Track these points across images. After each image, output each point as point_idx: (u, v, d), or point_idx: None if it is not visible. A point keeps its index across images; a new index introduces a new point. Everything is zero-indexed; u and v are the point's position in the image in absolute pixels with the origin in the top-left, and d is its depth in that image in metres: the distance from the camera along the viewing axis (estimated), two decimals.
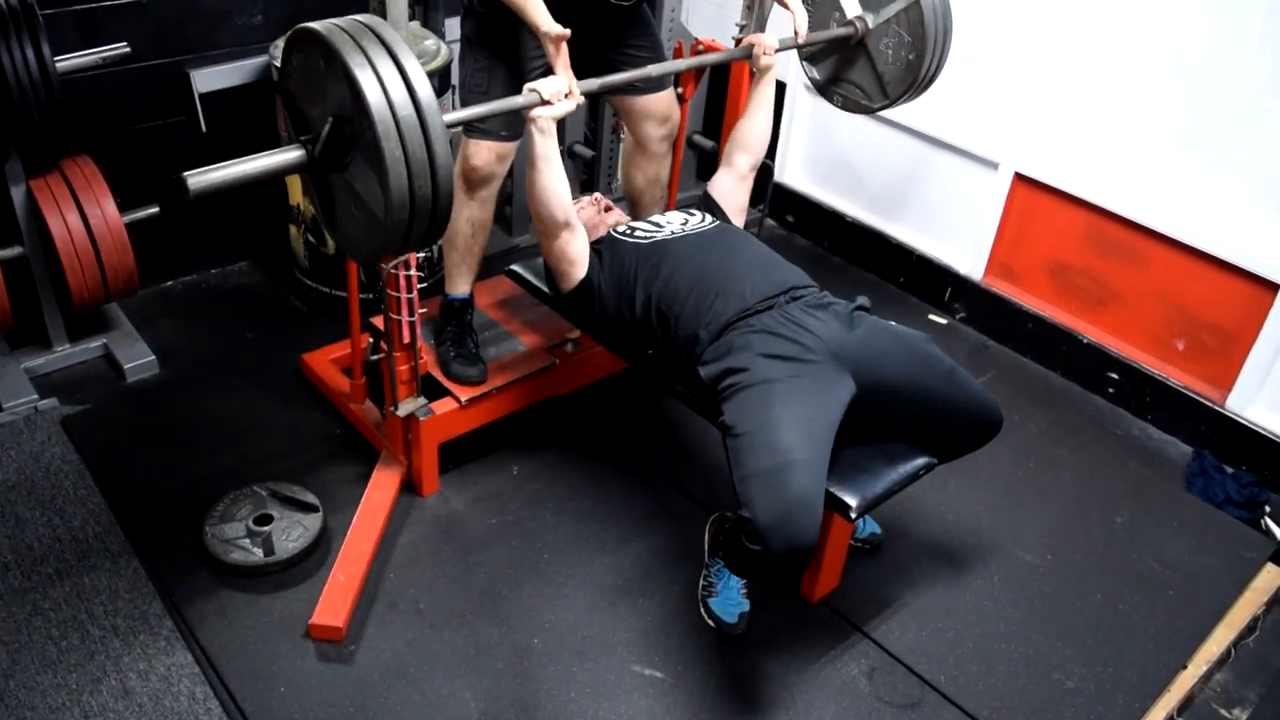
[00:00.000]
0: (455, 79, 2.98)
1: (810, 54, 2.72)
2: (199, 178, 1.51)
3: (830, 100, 2.75)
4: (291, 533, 2.36)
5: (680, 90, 2.76)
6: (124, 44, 2.71)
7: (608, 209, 2.59)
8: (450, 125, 1.62)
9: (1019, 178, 3.25)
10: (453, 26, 3.32)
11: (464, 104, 2.49)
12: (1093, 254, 3.16)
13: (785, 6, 2.49)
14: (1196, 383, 3.02)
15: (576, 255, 2.29)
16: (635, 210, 2.91)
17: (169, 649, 2.14)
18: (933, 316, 3.54)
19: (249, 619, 2.22)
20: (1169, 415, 3.07)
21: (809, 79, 2.75)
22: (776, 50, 2.46)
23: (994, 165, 3.29)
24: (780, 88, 3.75)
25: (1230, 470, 2.91)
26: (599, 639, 2.25)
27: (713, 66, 3.00)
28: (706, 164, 4.02)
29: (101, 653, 2.12)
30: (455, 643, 2.21)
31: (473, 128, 2.45)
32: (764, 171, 2.60)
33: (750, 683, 2.19)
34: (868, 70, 2.60)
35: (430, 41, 3.08)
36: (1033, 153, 3.20)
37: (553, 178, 2.17)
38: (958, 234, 3.48)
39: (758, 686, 2.18)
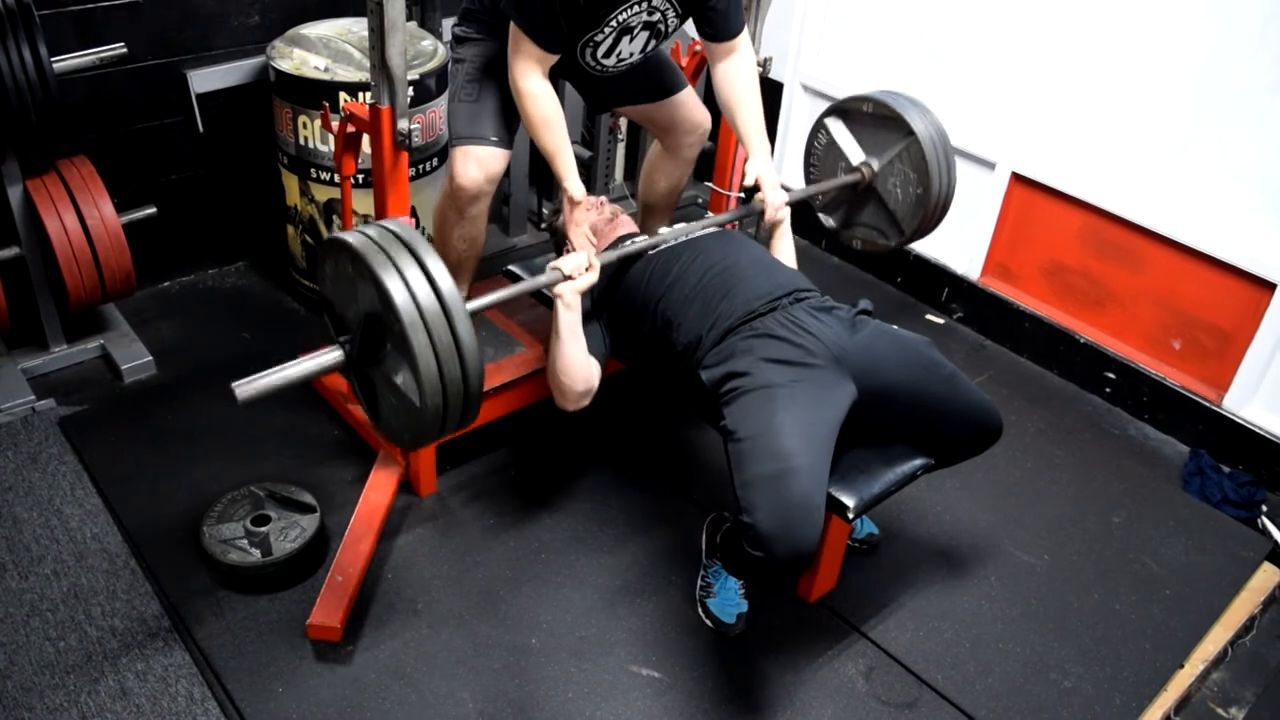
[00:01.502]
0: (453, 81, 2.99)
1: (824, 204, 2.76)
2: (246, 387, 1.66)
3: (849, 244, 2.81)
4: (289, 533, 2.36)
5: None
6: (121, 45, 2.71)
7: (610, 211, 2.57)
8: (473, 312, 1.75)
9: (1016, 178, 3.25)
10: (450, 27, 3.31)
11: (452, 115, 2.46)
12: (1090, 254, 3.17)
13: (758, 187, 2.40)
14: (1193, 382, 3.03)
15: (590, 396, 2.26)
16: (648, 215, 2.89)
17: (166, 649, 2.14)
18: (930, 316, 3.54)
19: (246, 619, 2.22)
20: (1166, 415, 3.08)
21: (825, 226, 2.81)
22: (788, 203, 2.43)
23: (991, 165, 3.29)
24: (777, 88, 3.77)
25: (1227, 470, 2.92)
26: (597, 639, 2.25)
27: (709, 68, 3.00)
28: (705, 165, 4.01)
29: (99, 653, 2.12)
30: (453, 643, 2.22)
31: (460, 136, 2.42)
32: None
33: (748, 683, 2.19)
34: (880, 211, 2.66)
35: (427, 42, 3.08)
36: (1030, 153, 3.20)
37: (577, 351, 2.17)
38: (955, 234, 3.48)
39: (755, 686, 2.18)
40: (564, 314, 2.13)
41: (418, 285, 1.60)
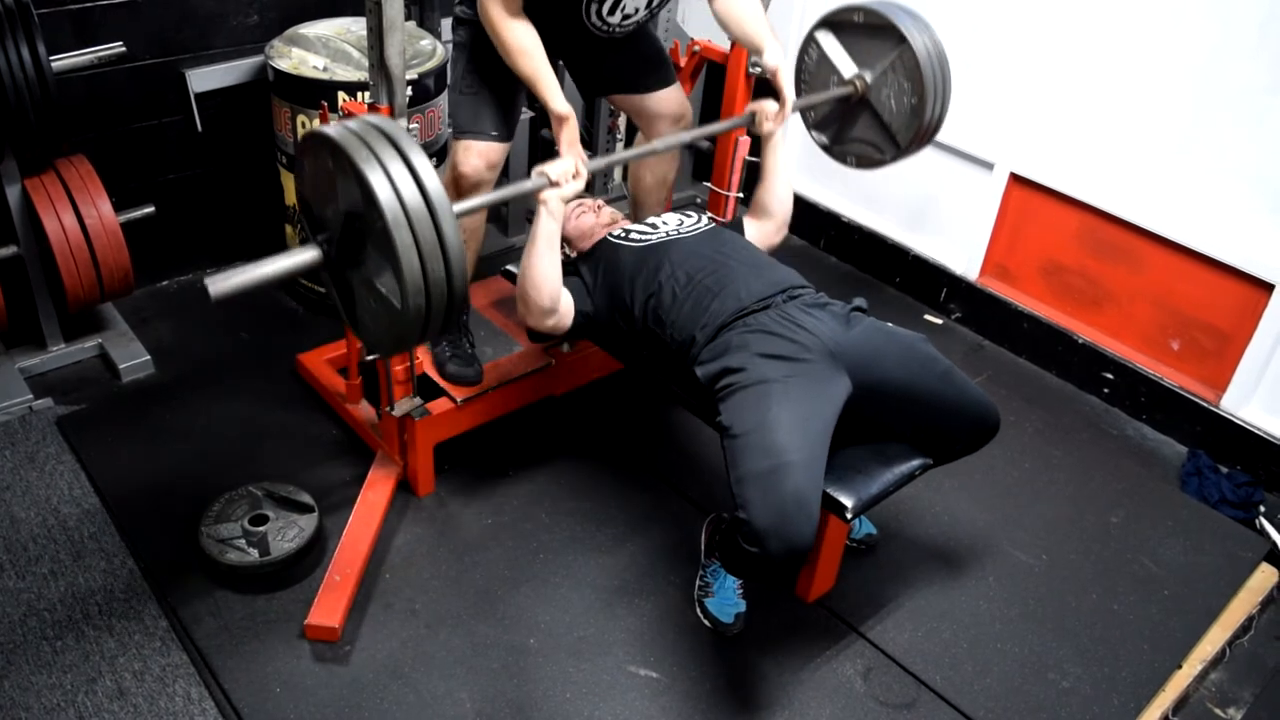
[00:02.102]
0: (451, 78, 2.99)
1: (815, 120, 2.73)
2: (220, 284, 1.56)
3: (843, 161, 2.75)
4: (287, 533, 2.36)
5: None
6: (119, 44, 2.71)
7: (609, 215, 2.58)
8: (459, 214, 1.66)
9: (1014, 178, 3.26)
10: (448, 27, 3.31)
11: (454, 105, 2.48)
12: (1088, 254, 3.17)
13: (777, 91, 2.39)
14: (1191, 383, 3.03)
15: (560, 324, 2.27)
16: (637, 210, 2.90)
17: (164, 649, 2.14)
18: (928, 317, 3.55)
19: (244, 619, 2.22)
20: (1164, 415, 3.08)
21: (818, 144, 2.77)
22: (779, 114, 2.41)
23: (989, 166, 3.29)
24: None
25: (1225, 470, 2.92)
26: (595, 639, 2.25)
27: (709, 67, 3.01)
28: (703, 165, 4.02)
29: (96, 653, 2.12)
30: (451, 643, 2.21)
31: (462, 128, 2.44)
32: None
33: (746, 683, 2.19)
34: (874, 124, 2.61)
35: (426, 42, 3.08)
36: (1028, 153, 3.20)
37: (551, 262, 2.15)
38: (953, 234, 3.49)
39: (753, 687, 2.18)
40: (545, 222, 2.11)
41: (402, 181, 1.50)
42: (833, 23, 2.58)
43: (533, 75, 2.23)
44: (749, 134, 2.59)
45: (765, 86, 2.44)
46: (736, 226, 2.51)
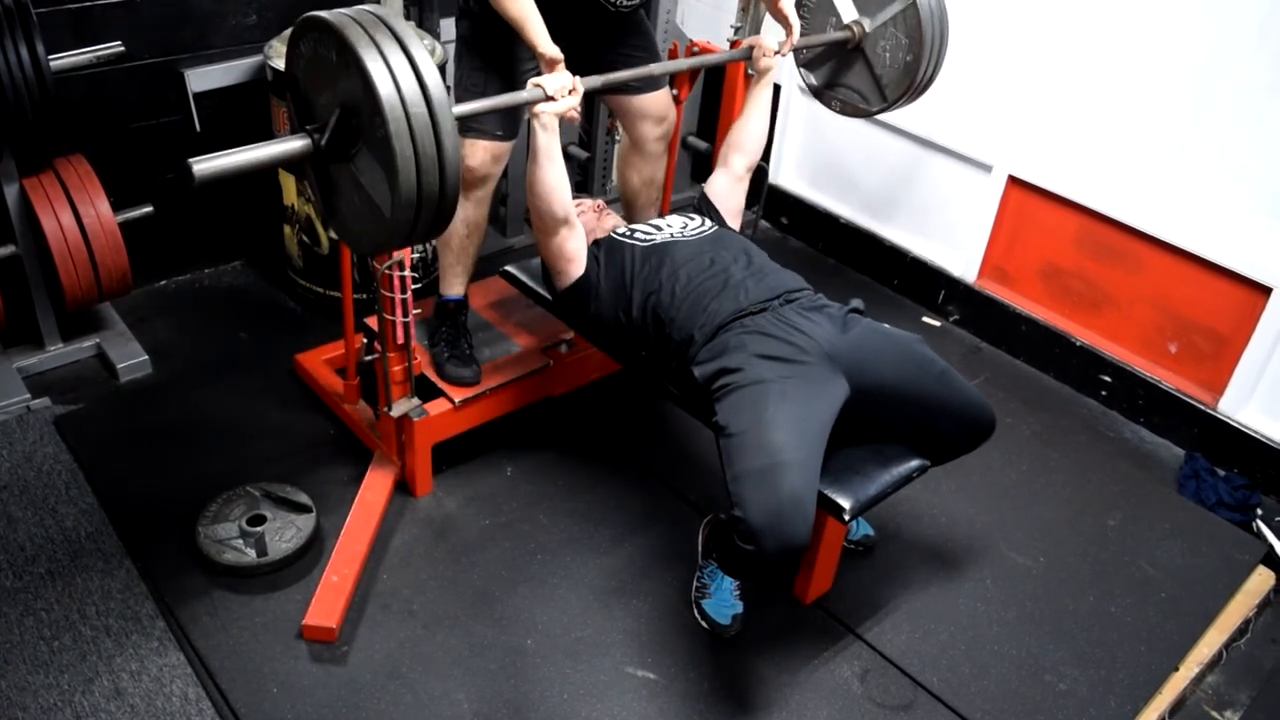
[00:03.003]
0: (450, 79, 2.99)
1: (807, 59, 2.72)
2: (204, 165, 1.52)
3: (828, 105, 2.75)
4: (284, 533, 2.35)
5: (675, 92, 2.77)
6: (118, 43, 2.70)
7: (605, 213, 2.59)
8: (457, 117, 1.61)
9: (1013, 180, 3.26)
10: (448, 27, 3.31)
11: (459, 100, 2.49)
12: (1086, 257, 3.17)
13: (782, 17, 2.48)
14: (1189, 386, 3.03)
15: (575, 252, 2.30)
16: (630, 211, 2.91)
17: (161, 649, 2.13)
18: (926, 319, 3.55)
19: (242, 620, 2.22)
20: (1161, 418, 3.08)
21: (806, 84, 2.76)
22: (775, 53, 2.47)
23: (988, 168, 3.30)
24: (775, 89, 3.76)
25: (1222, 473, 2.92)
26: (592, 640, 2.25)
27: (708, 69, 3.01)
28: (701, 165, 4.02)
29: (94, 653, 2.12)
30: (448, 644, 2.21)
31: (469, 127, 2.46)
32: (759, 174, 2.61)
33: (743, 684, 2.19)
34: (865, 74, 2.61)
35: (426, 42, 3.08)
36: (1026, 156, 3.21)
37: (554, 174, 2.18)
38: (951, 236, 3.49)
39: (751, 688, 2.18)
40: (542, 136, 2.13)
41: (407, 85, 1.45)
42: None
43: (521, 18, 2.21)
44: (745, 72, 2.60)
45: None
46: (706, 209, 2.51)
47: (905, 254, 3.61)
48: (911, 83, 2.54)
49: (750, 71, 2.52)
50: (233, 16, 3.07)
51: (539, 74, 2.18)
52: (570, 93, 2.09)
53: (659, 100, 2.69)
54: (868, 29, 2.54)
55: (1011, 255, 3.37)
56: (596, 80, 2.18)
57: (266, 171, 3.12)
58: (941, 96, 2.90)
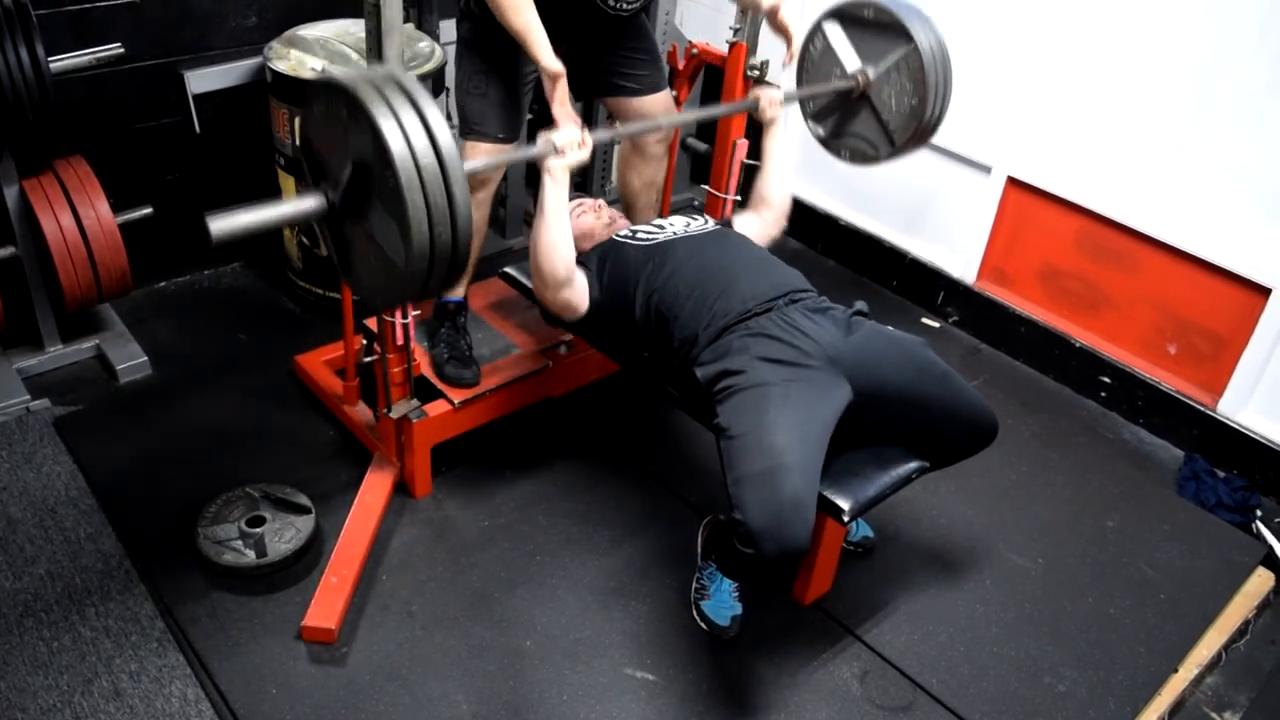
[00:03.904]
0: (450, 81, 2.99)
1: (814, 111, 2.75)
2: (221, 223, 1.54)
3: (838, 154, 2.76)
4: (284, 534, 2.36)
5: (675, 93, 2.77)
6: (118, 45, 2.71)
7: (603, 210, 2.58)
8: (466, 173, 1.62)
9: (1012, 182, 3.26)
10: (447, 29, 3.32)
11: (461, 106, 2.50)
12: (1085, 258, 3.17)
13: (782, 28, 2.44)
14: (1188, 387, 3.03)
15: (577, 302, 2.28)
16: (629, 213, 2.91)
17: (161, 650, 2.14)
18: (925, 320, 3.55)
19: (241, 621, 2.22)
20: (1161, 419, 3.08)
21: (814, 135, 2.79)
22: (782, 102, 2.45)
23: (987, 169, 3.30)
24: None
25: (1221, 474, 2.92)
26: (591, 641, 2.25)
27: (707, 69, 3.01)
28: (700, 167, 4.02)
29: (93, 654, 2.12)
30: (447, 645, 2.21)
31: (469, 128, 2.45)
32: (755, 173, 2.61)
33: (742, 685, 2.19)
34: (872, 121, 2.63)
35: (424, 44, 3.08)
36: (1026, 157, 3.21)
37: (560, 231, 2.16)
38: (951, 238, 3.49)
39: (750, 689, 2.18)
40: (551, 190, 2.11)
41: (417, 141, 1.48)
42: (842, 15, 2.58)
43: (524, 30, 2.22)
44: (751, 119, 2.60)
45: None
46: (729, 227, 2.51)
47: (904, 255, 3.61)
48: (918, 126, 2.55)
49: (759, 121, 2.50)
50: (232, 18, 3.07)
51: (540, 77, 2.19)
52: (580, 146, 2.08)
53: (659, 103, 2.69)
54: (872, 77, 2.57)
55: (1011, 256, 3.37)
56: (605, 134, 2.19)
57: (268, 176, 3.14)
58: None
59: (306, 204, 1.62)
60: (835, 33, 2.59)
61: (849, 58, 2.57)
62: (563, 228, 2.16)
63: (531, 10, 2.23)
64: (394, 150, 1.46)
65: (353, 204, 1.60)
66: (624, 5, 2.42)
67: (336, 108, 1.55)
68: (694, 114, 2.48)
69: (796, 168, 3.88)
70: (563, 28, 2.25)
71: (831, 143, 2.73)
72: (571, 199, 2.51)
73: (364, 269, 1.66)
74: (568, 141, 2.06)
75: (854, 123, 2.65)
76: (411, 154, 1.47)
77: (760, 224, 2.53)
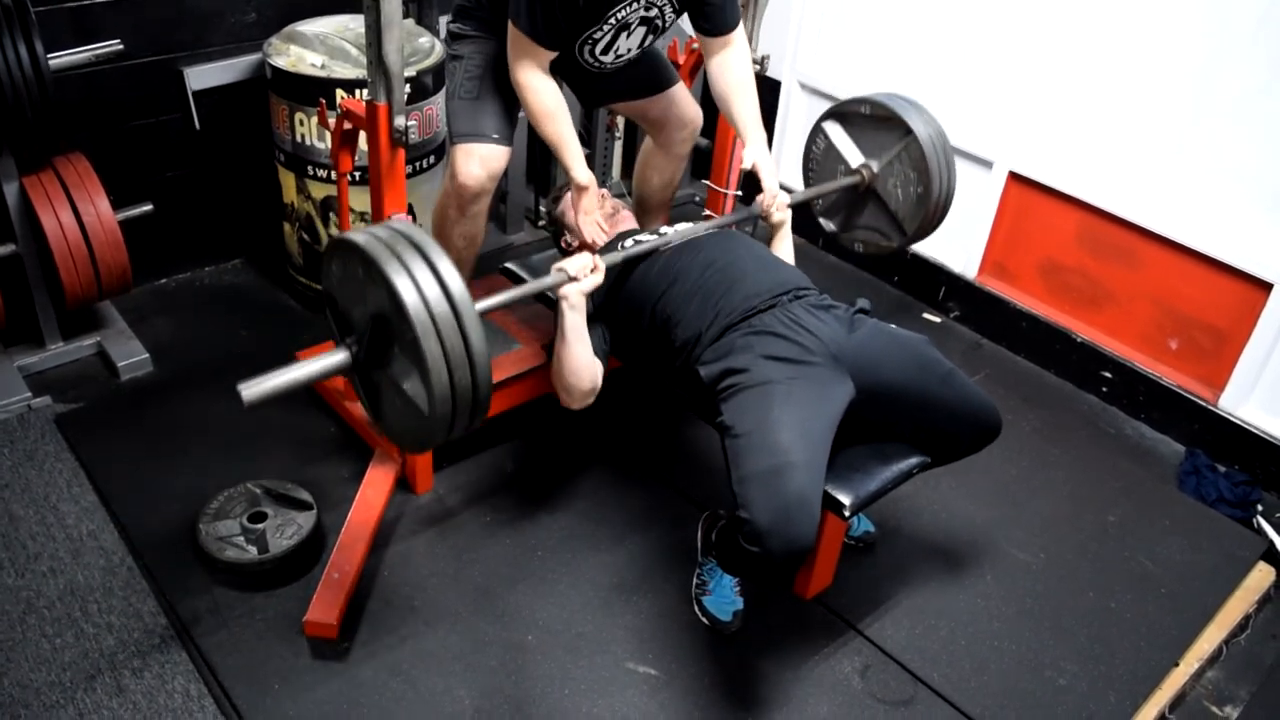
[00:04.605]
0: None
1: (823, 209, 2.77)
2: (252, 389, 1.61)
3: (851, 247, 2.82)
4: (285, 530, 2.36)
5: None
6: (117, 41, 2.70)
7: (612, 205, 2.56)
8: (481, 313, 1.71)
9: (1013, 177, 3.26)
10: (446, 25, 3.31)
11: (452, 113, 2.46)
12: (1086, 253, 3.17)
13: (757, 178, 2.40)
14: (1189, 382, 3.03)
15: (595, 395, 2.25)
16: (643, 211, 2.90)
17: (163, 647, 2.14)
18: (927, 315, 3.55)
19: (243, 616, 2.22)
20: (1162, 414, 3.08)
21: (827, 231, 2.82)
22: (789, 205, 2.44)
23: (988, 164, 3.30)
24: (775, 86, 3.77)
25: (1222, 469, 2.92)
26: (593, 637, 2.25)
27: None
28: (701, 163, 4.01)
29: (95, 650, 2.12)
30: (449, 640, 2.22)
31: (461, 133, 2.42)
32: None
33: (744, 680, 2.19)
34: (881, 212, 2.67)
35: (424, 39, 3.08)
36: (1027, 152, 3.20)
37: (584, 353, 2.16)
38: (952, 233, 3.47)
39: (751, 684, 2.19)
40: (569, 315, 2.12)
41: (430, 291, 1.56)
42: (840, 114, 2.65)
43: (558, 140, 2.28)
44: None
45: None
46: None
47: (905, 250, 3.60)
48: (927, 213, 2.59)
49: (765, 223, 2.47)
50: (231, 14, 3.07)
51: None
52: (593, 270, 2.10)
53: (689, 107, 2.69)
54: (876, 170, 2.59)
55: (1012, 251, 3.37)
56: (617, 257, 2.21)
57: (267, 173, 3.14)
58: (942, 94, 2.91)
59: (333, 359, 1.72)
60: (835, 131, 2.65)
61: (851, 154, 2.62)
62: (585, 350, 2.16)
63: (566, 120, 2.29)
64: (409, 304, 1.54)
65: (376, 355, 1.70)
66: (608, 66, 2.42)
67: (352, 266, 1.65)
68: (702, 226, 2.41)
69: (796, 163, 3.89)
70: (558, 74, 2.29)
71: (843, 237, 2.80)
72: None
73: (393, 415, 1.75)
74: (580, 268, 2.08)
75: (864, 215, 2.72)
76: (426, 306, 1.55)
77: None
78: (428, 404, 1.60)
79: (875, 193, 2.65)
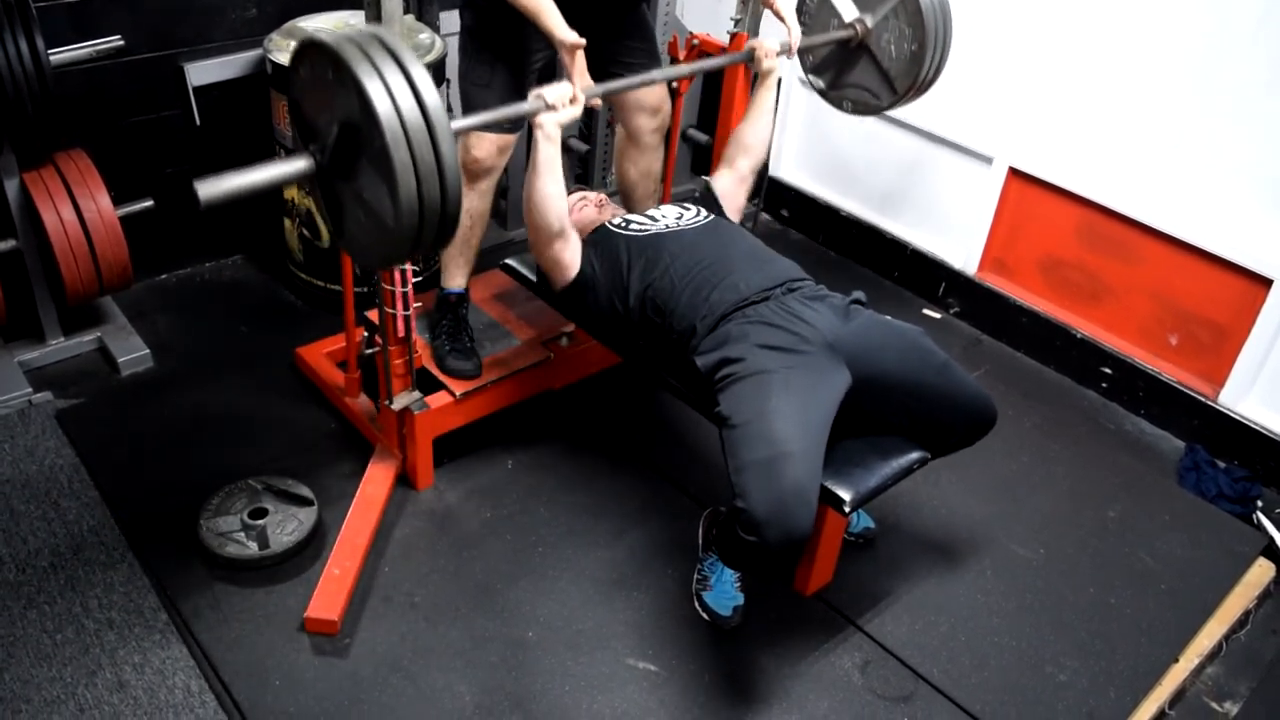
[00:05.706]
0: (451, 72, 2.99)
1: (814, 64, 2.73)
2: (209, 187, 1.53)
3: (839, 106, 2.75)
4: (286, 526, 2.36)
5: (675, 85, 2.76)
6: (118, 37, 2.71)
7: (606, 206, 2.59)
8: (456, 131, 1.62)
9: (1013, 172, 3.26)
10: (448, 20, 3.31)
11: (464, 97, 2.50)
12: (1086, 249, 3.17)
13: (779, 17, 2.46)
14: (1189, 377, 3.03)
15: (569, 260, 2.30)
16: (628, 203, 2.91)
17: (164, 642, 2.14)
18: (927, 311, 3.55)
19: (243, 612, 2.22)
20: (1162, 410, 3.08)
21: (814, 88, 2.77)
22: (777, 53, 2.45)
23: (988, 160, 3.29)
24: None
25: (1222, 465, 2.92)
26: (593, 632, 2.25)
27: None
28: (701, 158, 4.01)
29: (96, 646, 2.12)
30: (450, 636, 2.22)
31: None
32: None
33: (744, 676, 2.20)
34: (872, 70, 2.61)
35: (425, 35, 3.08)
36: (1027, 148, 3.20)
37: (553, 185, 2.17)
38: (952, 229, 3.49)
39: (751, 680, 2.19)
40: (544, 146, 2.11)
41: (402, 98, 1.46)
42: None
43: (535, 8, 2.21)
44: (747, 69, 2.60)
45: None
46: (708, 201, 2.50)
47: (906, 246, 3.61)
48: (919, 72, 2.53)
49: (754, 72, 2.51)
50: (232, 10, 3.07)
51: (549, 67, 2.17)
52: (571, 101, 2.06)
53: (653, 93, 2.68)
54: (870, 24, 2.55)
55: (1012, 247, 3.37)
56: (598, 89, 2.16)
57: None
58: (942, 89, 2.90)
59: (295, 165, 1.62)
60: None
61: (845, 7, 2.56)
62: (555, 181, 2.16)
63: None
64: (379, 110, 1.45)
65: (341, 164, 1.60)
66: None
67: (322, 69, 1.54)
68: (687, 67, 2.45)
69: (799, 160, 3.90)
70: (566, 15, 2.25)
71: (831, 94, 2.73)
72: (573, 193, 2.52)
73: (356, 229, 1.66)
74: (559, 97, 2.04)
75: (854, 73, 2.65)
76: (397, 113, 1.46)
77: (736, 177, 2.54)
78: (393, 217, 1.52)
79: (868, 49, 2.59)
